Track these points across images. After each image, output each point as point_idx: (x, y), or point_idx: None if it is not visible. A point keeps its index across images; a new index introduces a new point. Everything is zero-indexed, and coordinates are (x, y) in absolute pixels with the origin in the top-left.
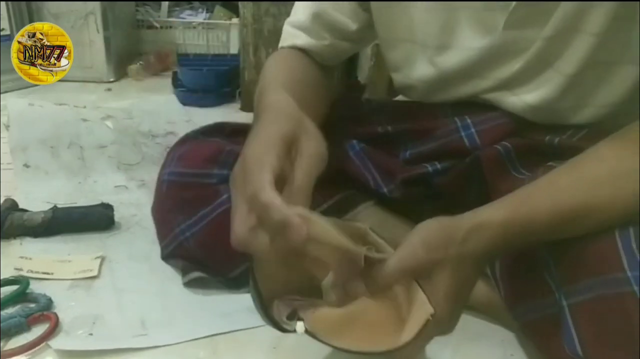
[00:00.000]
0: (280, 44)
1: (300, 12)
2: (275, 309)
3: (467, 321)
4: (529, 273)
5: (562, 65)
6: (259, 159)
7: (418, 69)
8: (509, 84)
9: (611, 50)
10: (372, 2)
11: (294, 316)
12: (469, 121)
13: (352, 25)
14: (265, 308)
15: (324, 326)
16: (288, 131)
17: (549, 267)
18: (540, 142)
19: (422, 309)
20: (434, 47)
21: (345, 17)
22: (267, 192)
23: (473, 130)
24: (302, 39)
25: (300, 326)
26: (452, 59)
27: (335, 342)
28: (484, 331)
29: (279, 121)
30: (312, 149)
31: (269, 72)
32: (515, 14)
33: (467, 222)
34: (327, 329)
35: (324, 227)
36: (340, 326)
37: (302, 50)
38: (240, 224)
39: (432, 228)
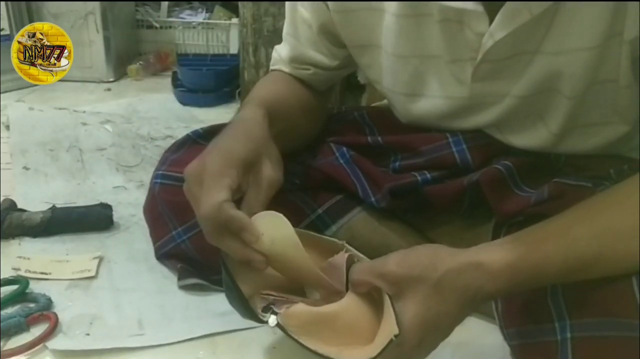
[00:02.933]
0: (271, 67)
1: (282, 48)
2: (253, 302)
3: (467, 321)
4: (531, 295)
5: (546, 122)
6: (218, 177)
7: (395, 110)
8: (492, 126)
9: (595, 112)
10: (348, 46)
11: (268, 310)
12: (460, 136)
13: (332, 62)
14: (243, 300)
15: (296, 322)
16: (249, 153)
17: (555, 294)
18: (545, 160)
19: (387, 328)
20: (404, 95)
21: (323, 56)
22: (225, 211)
23: (464, 146)
24: (288, 68)
25: (272, 319)
26: (423, 107)
27: (304, 340)
28: (484, 331)
29: (244, 140)
30: (268, 175)
31: (255, 89)
32: (482, 67)
33: (465, 256)
34: (298, 326)
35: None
36: (312, 325)
37: (290, 75)
38: (216, 196)
39: (419, 249)
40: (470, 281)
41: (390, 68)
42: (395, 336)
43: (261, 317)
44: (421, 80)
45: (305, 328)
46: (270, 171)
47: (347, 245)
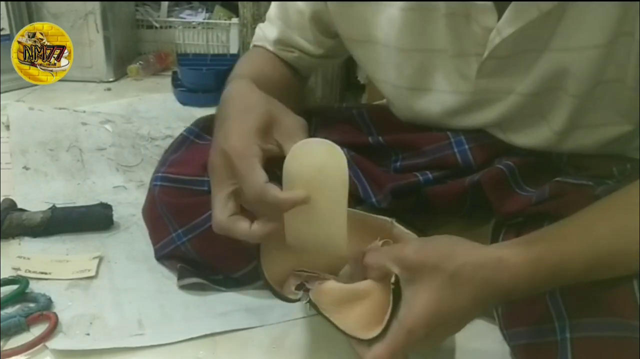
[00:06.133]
0: (253, 42)
1: (267, 29)
2: (286, 281)
3: None
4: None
5: (549, 122)
6: (246, 158)
7: (395, 107)
8: (495, 125)
9: (599, 112)
10: (343, 38)
11: (302, 287)
12: (462, 137)
13: (317, 50)
14: (268, 282)
15: (327, 298)
16: (261, 118)
17: (554, 294)
18: (547, 159)
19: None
20: (407, 89)
21: (309, 43)
22: (271, 192)
23: (466, 147)
24: (272, 47)
25: (305, 296)
26: (426, 102)
27: (333, 317)
28: (484, 331)
29: (250, 109)
30: (292, 124)
31: (239, 64)
32: (489, 63)
33: (486, 251)
34: (329, 302)
35: None
36: (343, 302)
37: (274, 54)
38: (220, 213)
39: (439, 238)
40: (489, 277)
41: (394, 62)
42: (392, 319)
43: (292, 296)
44: (425, 74)
45: (335, 304)
46: (291, 120)
47: (395, 223)
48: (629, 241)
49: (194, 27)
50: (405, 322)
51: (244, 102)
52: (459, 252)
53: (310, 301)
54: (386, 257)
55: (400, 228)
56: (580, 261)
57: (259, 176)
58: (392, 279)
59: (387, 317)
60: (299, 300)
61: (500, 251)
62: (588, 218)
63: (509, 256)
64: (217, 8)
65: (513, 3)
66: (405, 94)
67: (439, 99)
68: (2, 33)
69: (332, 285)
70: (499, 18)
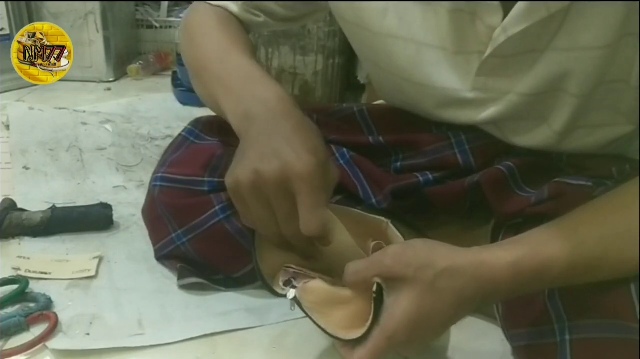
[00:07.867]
0: (208, 2)
1: None
2: (276, 275)
3: (467, 321)
4: (531, 297)
5: (550, 122)
6: (321, 185)
7: (384, 91)
8: (492, 123)
9: (601, 112)
10: (336, 14)
11: (289, 283)
12: (463, 137)
13: (287, 13)
14: (262, 273)
15: (312, 297)
16: (325, 150)
17: (553, 296)
18: (547, 160)
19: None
20: (401, 79)
21: (282, 8)
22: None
23: (467, 147)
24: (236, 9)
25: (291, 292)
26: (418, 93)
27: (316, 317)
28: (484, 331)
29: (312, 134)
30: (336, 173)
31: (221, 34)
32: (490, 61)
33: (465, 255)
34: (313, 302)
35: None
36: (326, 303)
37: (237, 18)
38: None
39: (418, 245)
40: (469, 282)
41: (388, 50)
42: (369, 327)
43: (279, 290)
44: (420, 67)
45: (319, 304)
46: (335, 168)
47: (391, 225)
48: (614, 247)
49: None
50: (386, 328)
51: (297, 119)
52: (438, 259)
53: (295, 298)
54: (368, 272)
55: (393, 230)
56: (562, 265)
57: (325, 213)
58: (374, 289)
59: (368, 324)
60: (284, 296)
61: (481, 255)
62: (573, 222)
63: (489, 260)
64: None
65: (520, 2)
66: (397, 82)
67: (433, 93)
68: (2, 33)
69: (317, 285)
70: (505, 17)
